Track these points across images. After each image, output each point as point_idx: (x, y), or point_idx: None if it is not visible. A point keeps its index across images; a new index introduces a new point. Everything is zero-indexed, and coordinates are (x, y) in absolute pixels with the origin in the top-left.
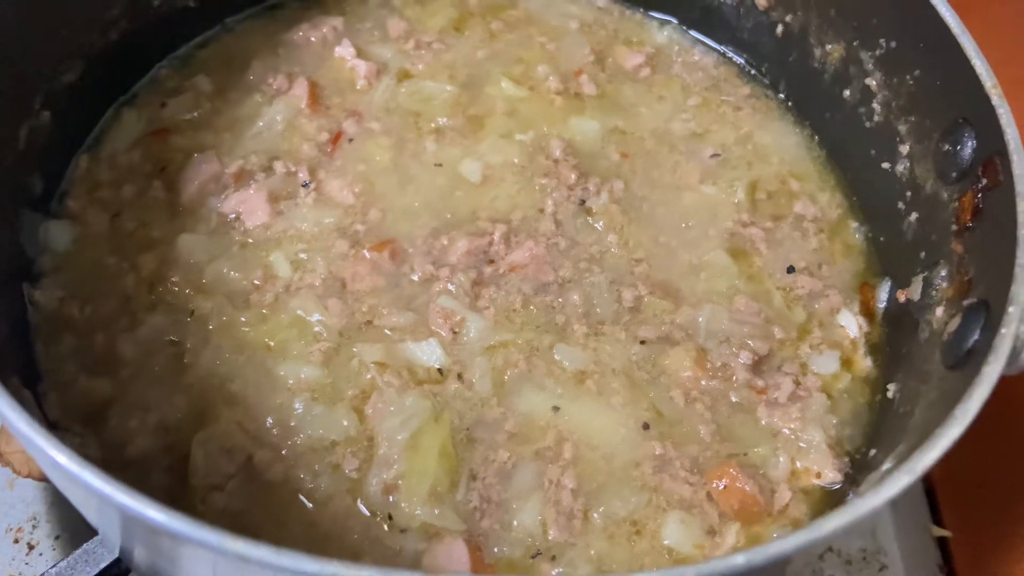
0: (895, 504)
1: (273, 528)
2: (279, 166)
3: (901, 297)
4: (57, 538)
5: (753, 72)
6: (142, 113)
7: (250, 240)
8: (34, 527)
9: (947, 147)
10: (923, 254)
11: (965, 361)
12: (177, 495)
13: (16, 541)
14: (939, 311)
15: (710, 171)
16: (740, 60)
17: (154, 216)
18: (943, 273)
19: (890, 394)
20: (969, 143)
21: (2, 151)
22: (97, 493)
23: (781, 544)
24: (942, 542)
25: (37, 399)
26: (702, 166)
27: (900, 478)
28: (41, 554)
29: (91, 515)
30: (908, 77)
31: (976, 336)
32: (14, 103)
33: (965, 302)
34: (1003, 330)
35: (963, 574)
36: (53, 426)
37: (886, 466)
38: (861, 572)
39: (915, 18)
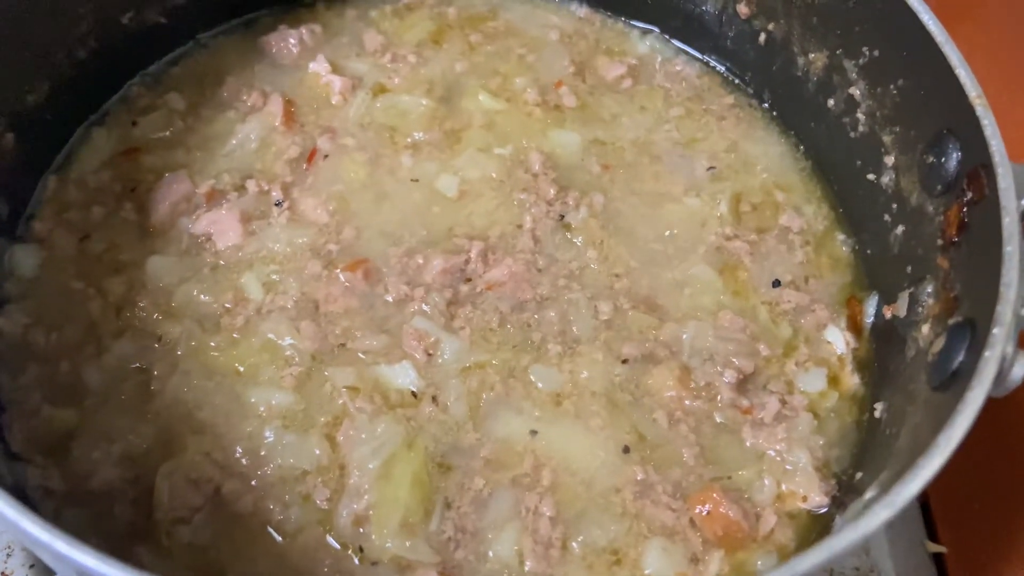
0: (889, 522)
1: (241, 562)
2: (252, 185)
3: (887, 313)
4: (32, 567)
5: (737, 81)
6: (112, 132)
7: (221, 262)
8: (8, 555)
9: (932, 159)
10: (910, 268)
11: (950, 383)
12: (141, 529)
13: None
14: (925, 329)
15: (693, 183)
16: (723, 69)
17: (123, 238)
18: (929, 289)
19: (877, 413)
20: (954, 155)
21: None
22: (35, 541)
23: None
24: (938, 558)
25: (0, 430)
26: (685, 178)
27: (879, 512)
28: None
29: (44, 557)
30: (892, 87)
31: (961, 357)
32: None
33: (950, 321)
34: (987, 352)
35: None
36: (15, 457)
37: (869, 494)
38: None
39: (898, 27)
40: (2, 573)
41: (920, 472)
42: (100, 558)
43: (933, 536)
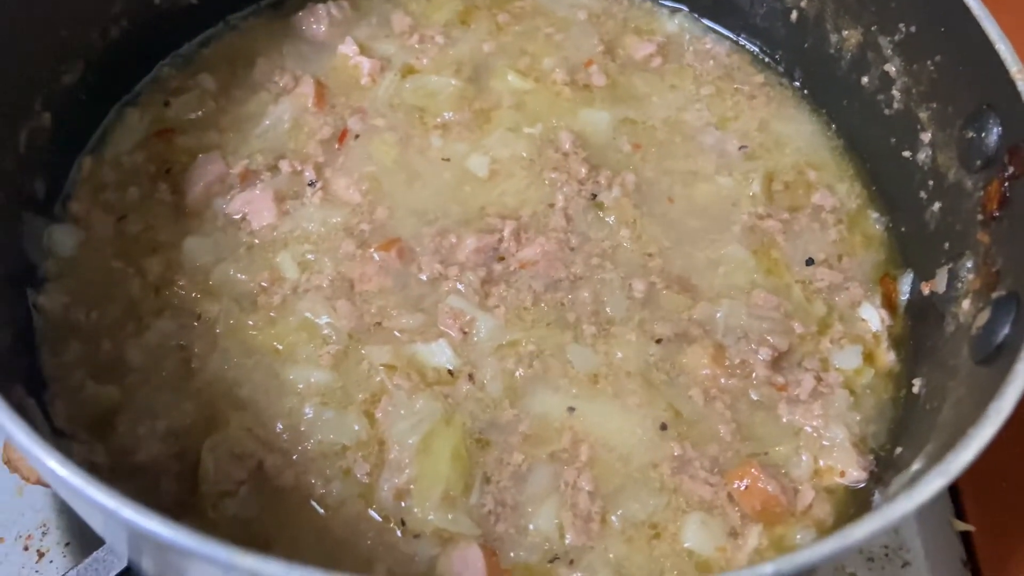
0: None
1: (285, 535)
2: (285, 165)
3: (925, 290)
4: (67, 545)
5: (767, 59)
6: (145, 113)
7: (256, 241)
8: (44, 534)
9: (971, 134)
10: (947, 245)
11: (995, 356)
12: (187, 502)
13: (26, 548)
14: (965, 304)
15: (725, 162)
16: (753, 47)
17: (159, 218)
18: (969, 264)
19: (916, 389)
20: (994, 130)
21: (2, 154)
22: (101, 508)
23: (810, 552)
24: (965, 537)
25: (42, 407)
26: (716, 157)
27: (933, 480)
28: (51, 561)
29: (97, 527)
30: (929, 63)
31: (1007, 330)
32: (13, 105)
33: (994, 295)
34: None
35: (987, 569)
36: (59, 434)
37: (916, 466)
38: (884, 569)
39: (935, 2)
40: (38, 552)
41: (972, 441)
42: (158, 520)
43: (961, 515)
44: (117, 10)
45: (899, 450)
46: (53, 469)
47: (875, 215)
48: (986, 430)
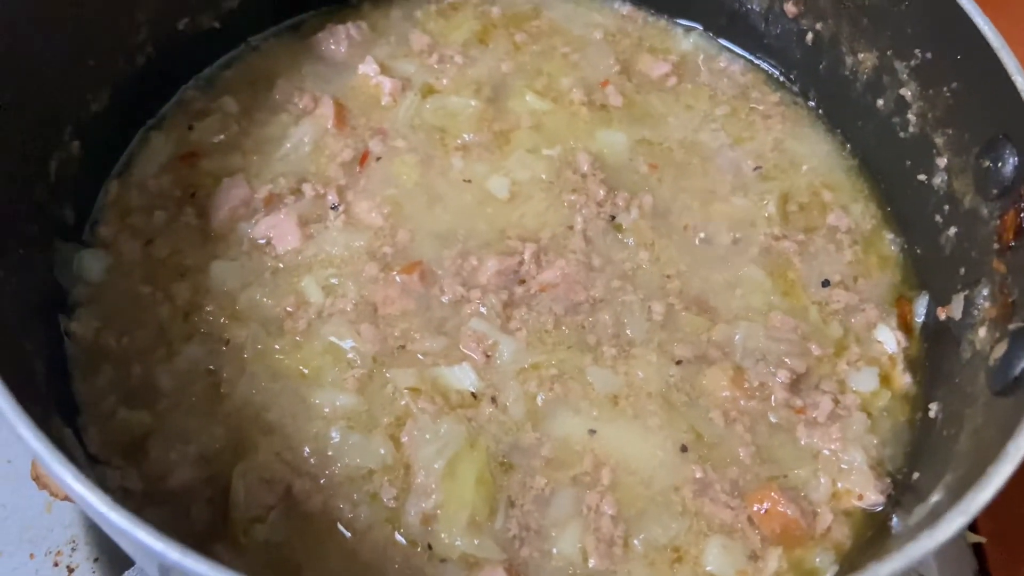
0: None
1: (313, 560)
2: (308, 189)
3: (941, 315)
4: (96, 560)
5: (782, 79)
6: (170, 136)
7: (281, 265)
8: (73, 550)
9: (987, 163)
10: (963, 270)
11: (1013, 388)
12: (218, 528)
13: (56, 564)
14: (982, 331)
15: (741, 183)
16: (769, 67)
17: (186, 242)
18: (985, 292)
19: (932, 413)
20: (1011, 160)
21: (33, 185)
22: (134, 540)
23: None
24: (977, 548)
25: (76, 433)
26: (732, 178)
27: (954, 519)
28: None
29: (129, 551)
30: (945, 89)
31: None
32: (44, 136)
33: (1011, 326)
34: None
35: None
36: (93, 459)
37: (935, 497)
38: None
39: (951, 30)
40: (68, 567)
41: (991, 480)
42: (188, 554)
43: (973, 526)
44: (143, 36)
45: (916, 475)
46: (92, 503)
47: (890, 236)
48: (1005, 467)
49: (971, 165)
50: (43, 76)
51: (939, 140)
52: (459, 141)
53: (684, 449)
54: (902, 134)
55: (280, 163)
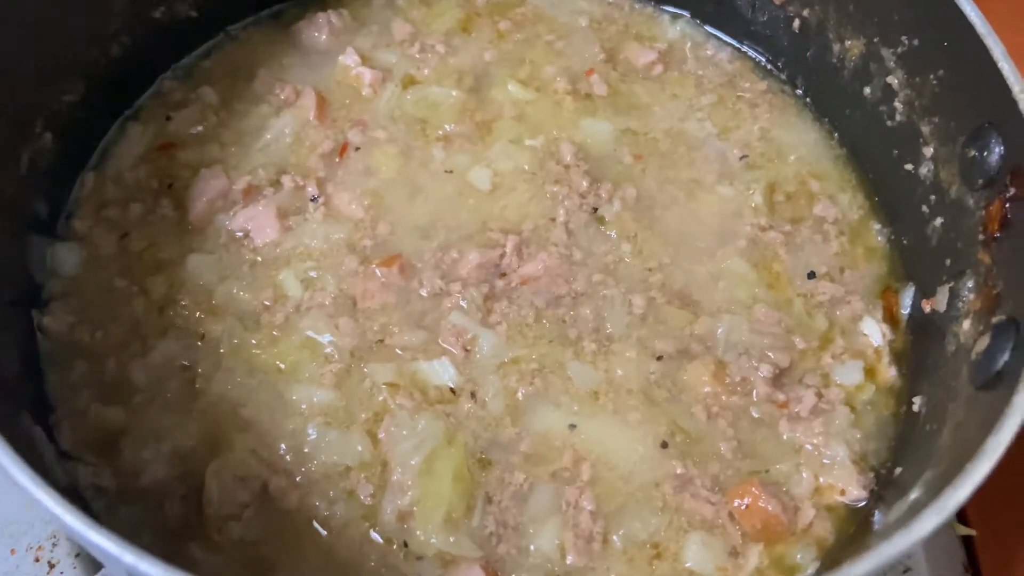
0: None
1: (288, 558)
2: (287, 180)
3: (926, 307)
4: (77, 555)
5: (769, 67)
6: (147, 127)
7: (259, 258)
8: (54, 545)
9: (973, 152)
10: (949, 262)
11: (995, 383)
12: (193, 525)
13: (37, 560)
14: (966, 324)
15: (727, 173)
16: (756, 55)
17: (163, 235)
18: (970, 284)
19: (916, 407)
20: (996, 149)
21: (3, 178)
22: (94, 545)
23: None
24: (967, 541)
25: (48, 430)
26: (718, 167)
27: (929, 518)
28: (62, 573)
29: (91, 552)
30: (932, 76)
31: (1006, 357)
32: (14, 129)
33: (994, 319)
34: None
35: (987, 572)
36: (66, 456)
37: (914, 494)
38: (884, 574)
39: (939, 16)
40: (49, 563)
41: (969, 477)
42: (145, 558)
43: (962, 518)
44: (117, 26)
45: (899, 470)
46: (49, 508)
47: (877, 226)
48: (983, 465)
49: (957, 154)
50: (12, 67)
51: (926, 129)
52: (440, 132)
53: (665, 445)
54: (889, 123)
55: (259, 154)
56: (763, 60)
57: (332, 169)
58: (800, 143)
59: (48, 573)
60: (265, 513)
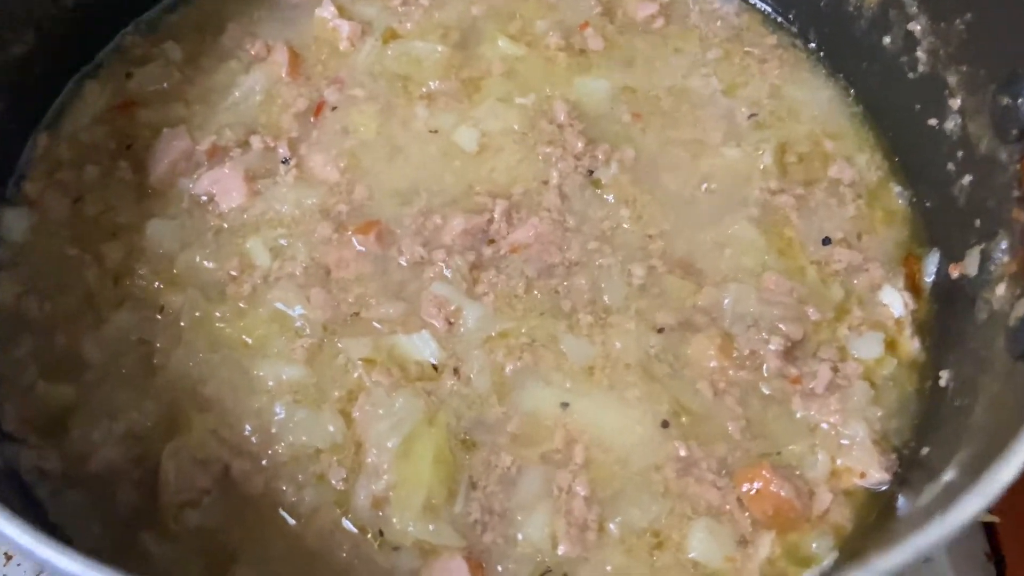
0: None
1: (253, 547)
2: (256, 141)
3: (954, 272)
4: None
5: (779, 19)
6: (106, 85)
7: (225, 225)
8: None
9: (1006, 100)
10: (979, 222)
11: None
12: (147, 513)
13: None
14: (1000, 289)
15: (733, 133)
16: (765, 6)
17: (120, 199)
18: (1003, 245)
19: (942, 382)
20: None
21: None
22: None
23: None
24: (989, 528)
25: None
26: (724, 127)
27: (970, 502)
28: (19, 564)
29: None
30: (958, 21)
31: None
32: None
33: None
34: None
35: (1012, 561)
36: (7, 438)
37: (948, 476)
38: None
39: None
40: (6, 555)
41: (1015, 455)
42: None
43: None
44: None
45: (925, 450)
46: None
47: (898, 189)
48: None
49: (988, 105)
50: None
51: (952, 79)
52: (424, 90)
53: (666, 424)
54: (911, 75)
55: (227, 113)
56: (772, 12)
57: (306, 129)
58: (813, 101)
59: (5, 565)
60: (226, 499)
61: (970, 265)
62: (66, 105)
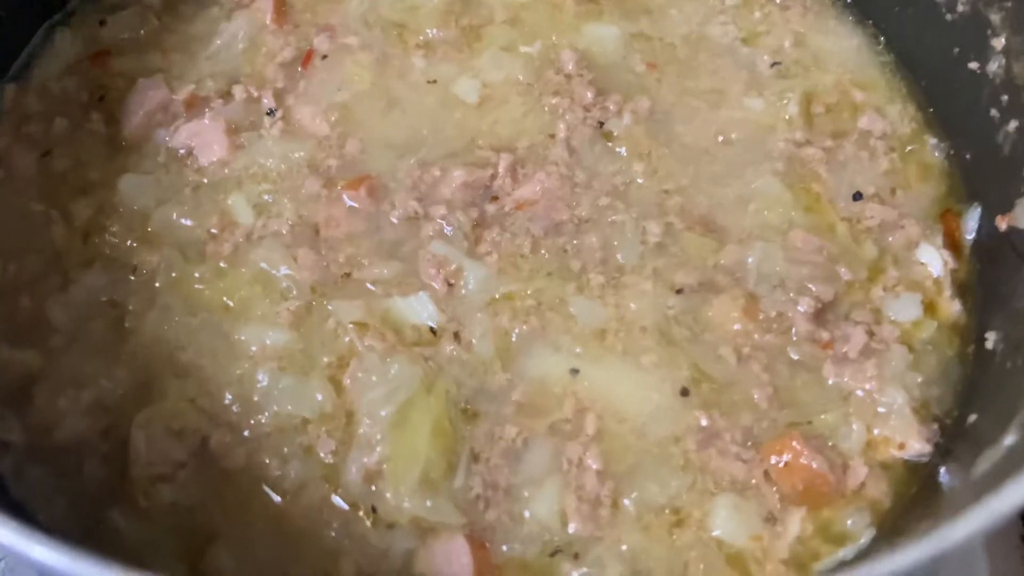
0: None
1: (233, 526)
2: (239, 91)
3: (1002, 224)
4: None
5: None
6: (77, 34)
7: (205, 180)
8: None
9: None
10: None
11: None
12: (115, 488)
13: None
14: None
15: (756, 82)
16: None
17: (91, 154)
18: None
19: (989, 344)
20: None
21: None
22: None
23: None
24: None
25: None
26: (746, 77)
27: None
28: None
29: None
30: None
31: None
32: None
33: None
34: None
35: None
36: None
37: (1009, 439)
38: None
39: None
40: None
41: None
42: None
43: None
44: None
45: (973, 417)
46: None
47: (933, 141)
48: None
49: None
50: None
51: (995, 17)
52: (421, 38)
53: (685, 392)
54: (949, 16)
55: (207, 63)
56: None
57: (293, 80)
58: (840, 49)
59: None
60: (204, 474)
61: (1020, 216)
62: (35, 55)
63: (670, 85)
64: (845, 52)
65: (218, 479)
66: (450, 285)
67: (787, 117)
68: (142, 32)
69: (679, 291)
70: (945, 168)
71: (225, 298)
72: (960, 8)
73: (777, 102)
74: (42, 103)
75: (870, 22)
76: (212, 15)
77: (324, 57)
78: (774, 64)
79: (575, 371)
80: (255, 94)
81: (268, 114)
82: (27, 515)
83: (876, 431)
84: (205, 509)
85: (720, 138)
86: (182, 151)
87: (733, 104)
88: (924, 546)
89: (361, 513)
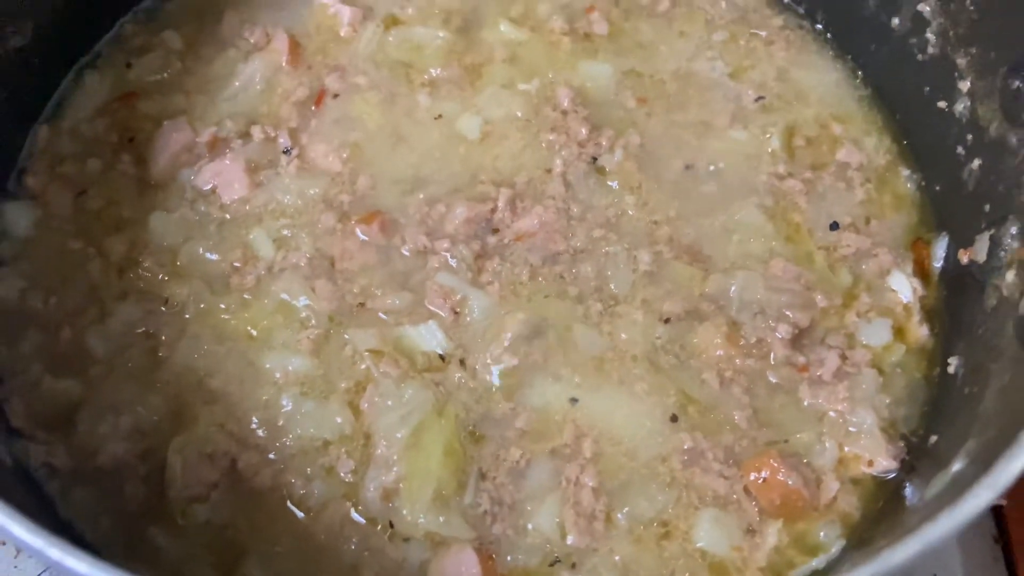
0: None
1: (262, 541)
2: (257, 131)
3: (963, 258)
4: None
5: (786, 0)
6: (106, 76)
7: (228, 216)
8: None
9: (1017, 84)
10: (988, 207)
11: None
12: (155, 508)
13: (3, 543)
14: (1010, 276)
15: (741, 116)
16: None
17: (122, 193)
18: (1013, 231)
19: (951, 369)
20: None
21: None
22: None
23: None
24: (996, 512)
25: None
26: (731, 111)
27: (979, 494)
28: (31, 556)
29: None
30: (968, 2)
31: None
32: None
33: None
34: None
35: (1019, 545)
36: (16, 434)
37: (957, 466)
38: None
39: None
40: (16, 547)
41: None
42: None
43: None
44: None
45: (934, 438)
46: None
47: (906, 172)
48: None
49: (998, 87)
50: None
51: (962, 61)
52: (426, 76)
53: (675, 419)
54: (920, 56)
55: (227, 104)
56: None
57: (307, 118)
58: (820, 83)
59: (16, 557)
60: (234, 493)
61: (980, 251)
62: (66, 97)
63: (659, 119)
64: (825, 86)
65: (247, 498)
66: (456, 313)
67: (770, 150)
68: (166, 74)
69: (667, 320)
70: (917, 199)
71: (249, 327)
72: (930, 50)
73: (761, 135)
74: (75, 144)
75: (849, 58)
76: (231, 57)
77: (335, 96)
78: (758, 98)
79: (574, 400)
80: (272, 134)
81: (284, 152)
82: (75, 534)
83: (847, 449)
84: (236, 526)
85: (710, 167)
86: (206, 189)
87: (720, 137)
88: (874, 565)
89: (379, 528)
